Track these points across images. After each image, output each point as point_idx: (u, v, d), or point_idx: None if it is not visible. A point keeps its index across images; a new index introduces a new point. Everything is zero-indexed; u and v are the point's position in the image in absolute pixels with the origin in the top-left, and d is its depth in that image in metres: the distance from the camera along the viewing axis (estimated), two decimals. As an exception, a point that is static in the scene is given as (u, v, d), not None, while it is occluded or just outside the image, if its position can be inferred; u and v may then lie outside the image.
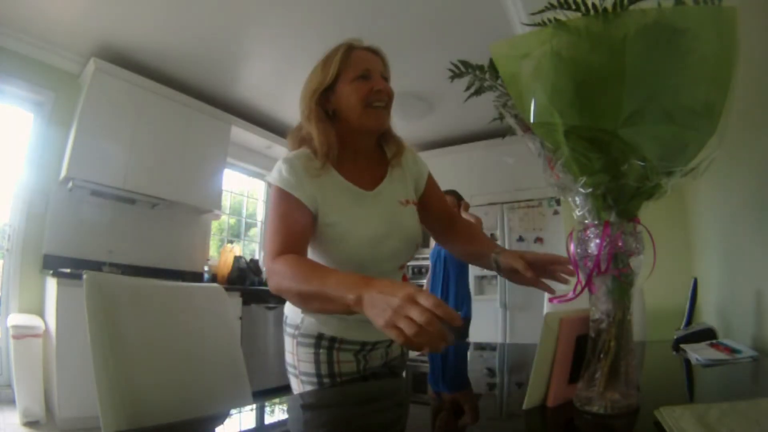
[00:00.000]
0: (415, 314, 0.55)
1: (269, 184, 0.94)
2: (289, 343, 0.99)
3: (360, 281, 0.65)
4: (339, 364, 0.95)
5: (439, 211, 1.11)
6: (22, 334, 2.45)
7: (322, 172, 0.92)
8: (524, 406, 0.58)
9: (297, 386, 0.96)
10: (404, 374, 1.08)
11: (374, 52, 0.99)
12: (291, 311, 1.00)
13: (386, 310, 0.58)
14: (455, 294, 2.93)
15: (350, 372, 0.95)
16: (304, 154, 0.94)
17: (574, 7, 0.52)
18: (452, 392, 0.91)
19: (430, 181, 1.10)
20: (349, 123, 0.95)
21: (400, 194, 1.01)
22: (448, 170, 4.39)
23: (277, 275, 0.79)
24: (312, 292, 0.72)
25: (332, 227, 0.90)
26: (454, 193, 2.98)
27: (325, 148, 0.92)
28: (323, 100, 0.96)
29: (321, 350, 0.94)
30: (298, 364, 0.96)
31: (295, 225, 0.87)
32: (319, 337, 0.95)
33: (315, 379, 0.94)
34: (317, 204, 0.91)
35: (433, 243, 3.13)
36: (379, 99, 0.94)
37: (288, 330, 0.99)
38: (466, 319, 2.91)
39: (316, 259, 0.92)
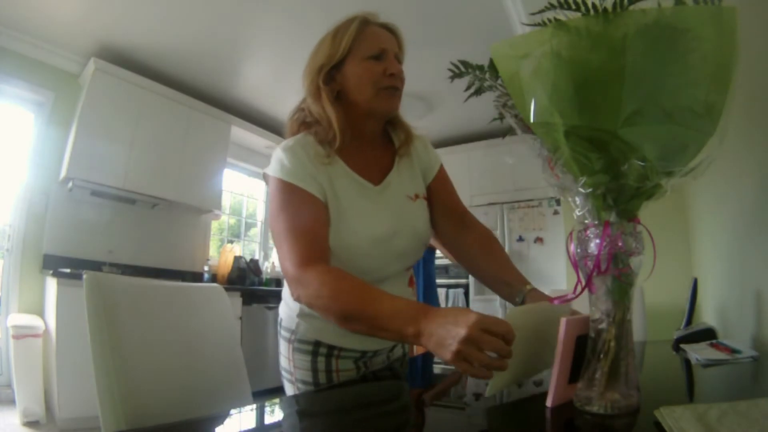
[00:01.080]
0: (488, 345, 0.52)
1: (266, 179, 0.85)
2: (284, 348, 0.92)
3: (419, 312, 0.60)
4: (338, 373, 0.89)
5: (447, 209, 0.98)
6: (22, 334, 2.45)
7: (328, 161, 0.84)
8: (486, 393, 0.59)
9: (293, 393, 0.91)
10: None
11: (391, 30, 0.89)
12: (286, 314, 0.94)
13: (452, 344, 0.53)
14: (436, 298, 2.82)
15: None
16: (306, 141, 0.85)
17: (574, 7, 0.52)
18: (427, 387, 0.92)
19: (441, 173, 1.00)
20: (357, 106, 0.86)
21: (408, 188, 0.93)
22: (448, 170, 4.39)
23: (309, 289, 0.71)
24: (360, 316, 0.66)
25: (336, 224, 0.82)
26: None
27: (339, 132, 0.84)
28: (327, 79, 0.86)
29: (319, 357, 0.89)
30: (294, 371, 0.90)
31: (314, 223, 0.79)
32: (317, 344, 0.89)
33: (312, 389, 0.88)
34: (326, 197, 0.82)
35: None
36: (392, 84, 0.85)
37: (283, 333, 0.93)
38: None
39: None
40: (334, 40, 0.86)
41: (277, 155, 0.83)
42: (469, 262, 0.96)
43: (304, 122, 0.90)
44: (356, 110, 0.87)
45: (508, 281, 0.87)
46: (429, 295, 2.74)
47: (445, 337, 0.54)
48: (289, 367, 0.91)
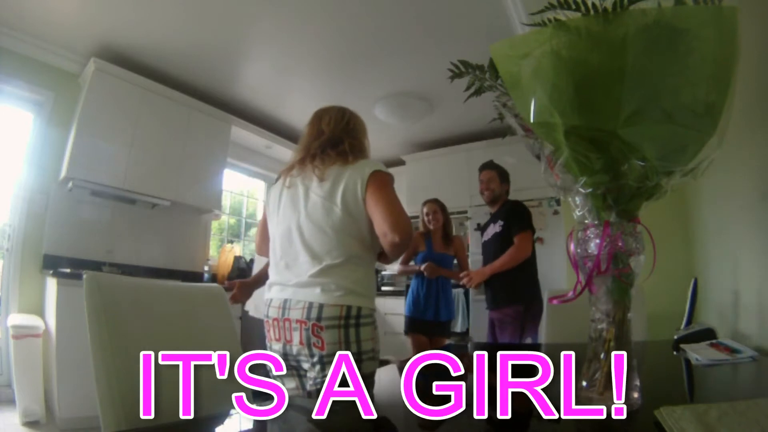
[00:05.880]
0: None
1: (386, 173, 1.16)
2: (368, 332, 1.09)
3: None
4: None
5: None
6: (22, 334, 2.45)
7: None
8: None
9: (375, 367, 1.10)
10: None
11: None
12: (366, 303, 1.11)
13: None
14: (446, 300, 3.00)
15: None
16: None
17: (574, 7, 0.52)
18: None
19: None
20: None
21: None
22: (448, 170, 4.40)
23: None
24: None
25: None
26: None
27: None
28: None
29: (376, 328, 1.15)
30: (375, 345, 1.12)
31: None
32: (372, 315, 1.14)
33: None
34: None
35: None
36: None
37: (365, 321, 1.09)
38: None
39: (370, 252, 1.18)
40: None
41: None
42: None
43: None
44: None
45: None
46: (446, 292, 3.12)
47: None
48: (377, 346, 1.11)
